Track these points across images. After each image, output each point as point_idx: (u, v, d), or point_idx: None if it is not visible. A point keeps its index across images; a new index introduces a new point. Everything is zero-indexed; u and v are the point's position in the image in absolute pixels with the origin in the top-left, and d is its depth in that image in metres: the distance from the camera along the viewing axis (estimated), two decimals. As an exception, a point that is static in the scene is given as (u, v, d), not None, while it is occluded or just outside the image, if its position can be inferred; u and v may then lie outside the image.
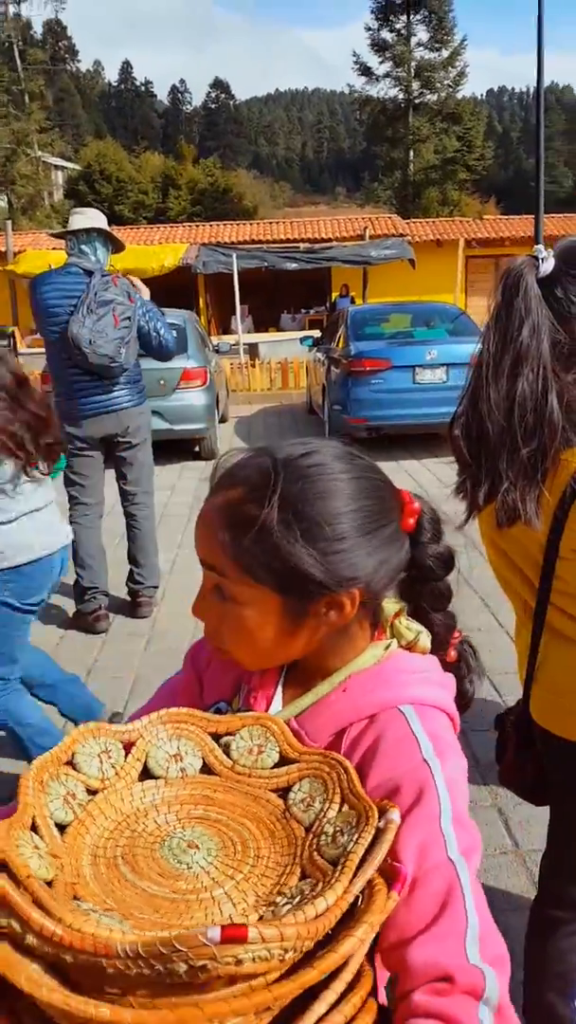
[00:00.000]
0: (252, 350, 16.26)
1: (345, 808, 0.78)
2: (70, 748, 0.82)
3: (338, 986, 0.65)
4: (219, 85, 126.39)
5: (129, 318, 4.04)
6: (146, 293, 4.34)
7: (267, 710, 0.95)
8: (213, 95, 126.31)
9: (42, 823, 0.72)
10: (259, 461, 0.90)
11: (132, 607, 4.57)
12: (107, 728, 0.85)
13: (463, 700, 1.05)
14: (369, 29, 39.76)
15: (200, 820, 0.80)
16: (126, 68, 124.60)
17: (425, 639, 0.98)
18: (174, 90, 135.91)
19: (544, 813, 1.63)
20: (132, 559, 4.57)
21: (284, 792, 0.84)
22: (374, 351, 8.58)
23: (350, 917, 0.67)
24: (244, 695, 0.98)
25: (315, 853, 0.74)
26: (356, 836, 0.72)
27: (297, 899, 0.67)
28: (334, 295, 19.32)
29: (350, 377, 8.39)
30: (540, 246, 1.32)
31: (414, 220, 26.39)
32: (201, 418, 8.61)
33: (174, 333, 4.40)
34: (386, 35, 39.64)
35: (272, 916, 0.66)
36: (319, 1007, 0.64)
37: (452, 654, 1.04)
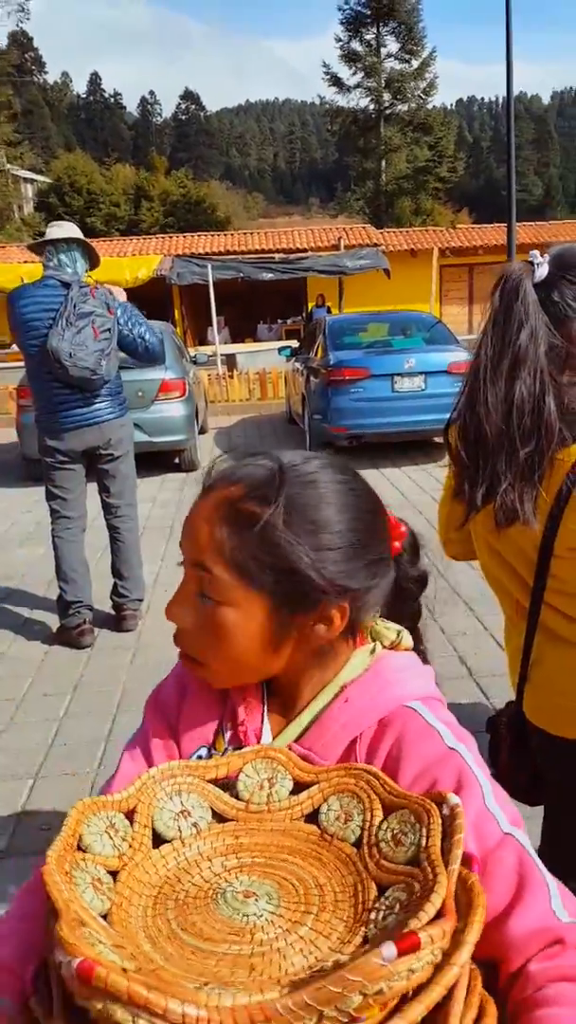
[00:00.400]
0: (229, 361, 16.28)
1: (393, 813, 0.75)
2: (76, 831, 0.74)
3: (459, 994, 0.61)
4: (189, 96, 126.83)
5: (109, 330, 4.03)
6: (122, 296, 4.33)
7: (259, 742, 0.91)
8: (183, 106, 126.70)
9: (88, 918, 0.65)
10: (262, 463, 0.89)
11: (117, 621, 4.54)
12: (104, 800, 0.78)
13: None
14: (339, 40, 40.24)
15: (240, 869, 0.74)
16: (94, 80, 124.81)
17: (407, 637, 0.99)
18: (144, 102, 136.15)
19: (537, 812, 1.65)
20: (116, 572, 4.55)
21: (312, 817, 0.80)
22: (353, 360, 8.67)
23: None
24: (230, 733, 0.93)
25: (383, 862, 0.71)
26: (425, 831, 0.70)
27: (397, 907, 0.64)
28: (310, 305, 19.41)
29: (330, 386, 8.48)
30: (536, 252, 1.36)
31: (388, 230, 26.62)
32: (181, 429, 8.60)
33: (159, 336, 4.39)
34: (356, 46, 40.15)
35: (379, 932, 0.63)
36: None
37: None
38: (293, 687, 0.93)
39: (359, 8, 39.53)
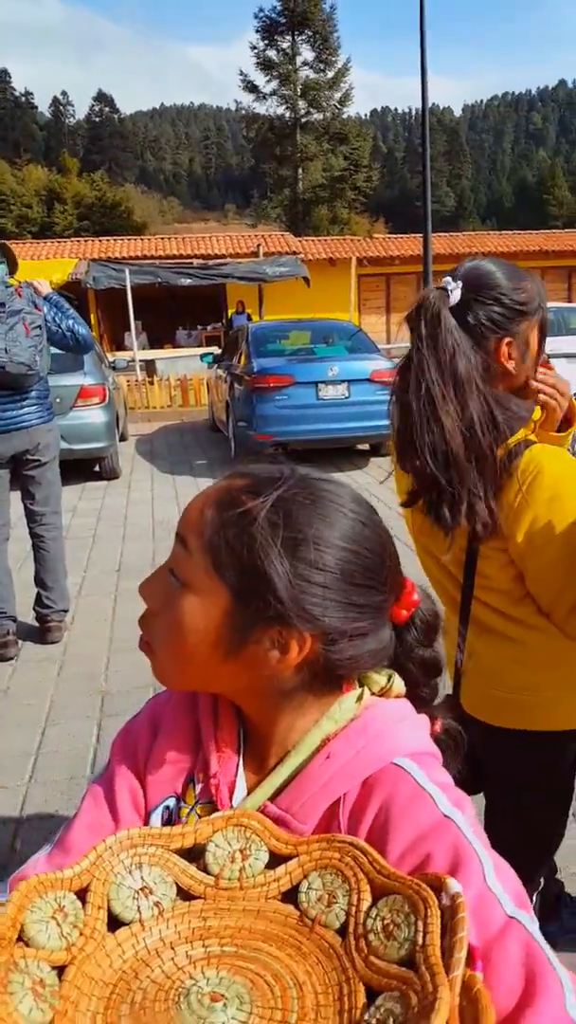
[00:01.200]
0: (149, 367, 16.17)
1: (384, 898, 0.65)
2: (16, 919, 0.63)
3: None
4: (103, 98, 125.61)
5: (40, 326, 4.05)
6: (46, 288, 4.29)
7: (231, 798, 0.83)
8: (97, 108, 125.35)
9: None
10: (277, 465, 0.85)
11: (41, 633, 4.46)
12: (51, 878, 0.67)
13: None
14: (254, 48, 40.41)
15: (207, 961, 0.65)
16: (3, 77, 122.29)
17: (399, 681, 0.89)
18: (56, 102, 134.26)
19: (478, 799, 1.71)
20: (40, 582, 4.46)
21: (290, 895, 0.71)
22: (277, 367, 8.67)
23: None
24: (201, 785, 0.86)
25: (372, 958, 0.62)
26: (421, 925, 0.61)
27: (390, 1021, 0.57)
28: (230, 311, 19.42)
29: (254, 393, 8.47)
30: (448, 278, 1.46)
31: (306, 238, 26.85)
32: (102, 436, 8.48)
33: (87, 326, 4.38)
34: (271, 54, 40.36)
35: None
36: None
37: (435, 728, 0.93)
38: (269, 735, 0.85)
39: (274, 16, 39.89)
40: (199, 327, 23.72)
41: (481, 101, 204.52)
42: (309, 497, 0.80)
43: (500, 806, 1.72)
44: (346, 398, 8.48)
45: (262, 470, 0.84)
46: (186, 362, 16.06)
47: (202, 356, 12.32)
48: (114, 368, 11.14)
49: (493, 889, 0.72)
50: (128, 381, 13.92)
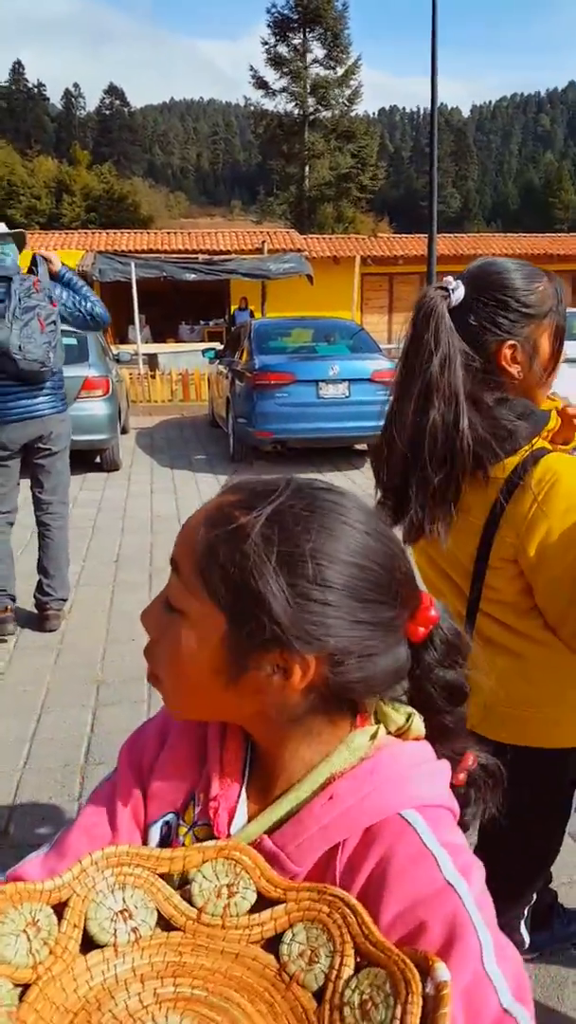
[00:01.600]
0: (151, 360, 16.16)
1: (367, 966, 0.61)
2: None
3: None
4: (114, 91, 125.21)
5: (55, 322, 4.08)
6: (58, 264, 4.33)
7: (230, 824, 0.78)
8: (108, 101, 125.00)
9: None
10: (274, 477, 0.78)
11: (40, 620, 4.50)
12: (29, 889, 0.64)
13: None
14: (266, 43, 40.32)
15: (173, 1003, 0.61)
16: (17, 69, 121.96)
17: (419, 722, 0.82)
18: (67, 94, 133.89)
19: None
20: (42, 570, 4.51)
21: (272, 943, 0.66)
22: (279, 365, 8.68)
23: None
24: (200, 807, 0.81)
25: None
26: (399, 1011, 0.56)
27: None
28: (233, 307, 19.42)
29: (255, 390, 8.46)
30: (449, 278, 1.42)
31: (311, 236, 26.82)
32: (104, 428, 8.50)
33: (102, 304, 4.42)
34: (282, 50, 40.25)
35: None
36: None
37: (461, 777, 0.86)
38: (276, 762, 0.79)
39: (286, 12, 39.81)
40: (202, 322, 23.64)
41: (489, 102, 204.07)
42: (308, 508, 0.74)
43: (498, 821, 1.69)
44: (346, 397, 8.47)
45: (257, 483, 0.78)
46: (188, 357, 16.00)
47: (204, 351, 12.29)
48: (118, 361, 11.15)
49: (491, 974, 0.64)
50: (131, 374, 13.92)
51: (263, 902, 0.68)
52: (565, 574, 1.34)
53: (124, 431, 10.73)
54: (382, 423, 1.44)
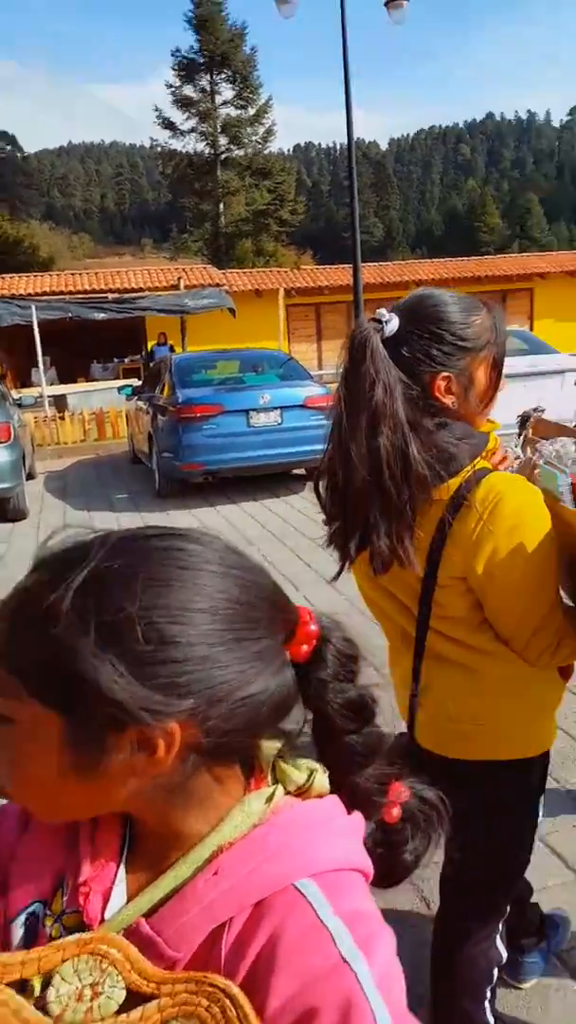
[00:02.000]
0: (59, 402, 16.18)
1: None
2: None
3: None
4: (4, 137, 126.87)
5: None
6: None
7: (104, 909, 0.72)
8: None
9: None
10: (88, 538, 0.73)
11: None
12: None
13: (391, 875, 0.83)
14: (171, 86, 41.21)
15: None
16: None
17: (321, 778, 0.79)
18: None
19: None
20: None
21: None
22: (204, 397, 8.89)
23: None
24: (70, 892, 0.74)
25: None
26: None
27: None
28: (150, 343, 19.46)
29: (180, 423, 8.64)
30: (383, 310, 1.49)
31: (231, 270, 27.14)
32: (7, 476, 8.53)
33: None
34: (189, 92, 41.20)
35: None
36: None
37: (394, 813, 0.83)
38: (155, 835, 0.74)
39: (192, 56, 40.83)
40: (116, 360, 23.87)
41: (407, 135, 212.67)
42: (131, 564, 0.69)
43: (465, 839, 1.64)
44: (279, 424, 8.77)
45: (65, 551, 0.72)
46: (101, 395, 16.33)
47: (120, 388, 12.66)
48: (20, 405, 11.23)
49: None
50: (36, 417, 13.98)
51: (134, 999, 0.63)
52: (514, 591, 1.44)
53: (31, 476, 10.72)
54: (324, 447, 1.51)
